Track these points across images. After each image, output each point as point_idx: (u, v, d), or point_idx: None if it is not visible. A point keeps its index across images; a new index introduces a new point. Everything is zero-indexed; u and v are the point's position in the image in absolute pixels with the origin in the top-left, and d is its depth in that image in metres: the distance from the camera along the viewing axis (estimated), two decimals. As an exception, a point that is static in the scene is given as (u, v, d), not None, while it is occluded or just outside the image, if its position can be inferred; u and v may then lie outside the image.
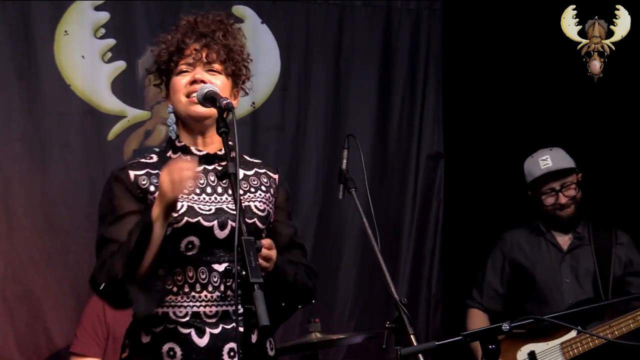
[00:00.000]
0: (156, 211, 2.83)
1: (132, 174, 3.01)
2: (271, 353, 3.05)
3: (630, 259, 4.72)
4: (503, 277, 4.89)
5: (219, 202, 3.00)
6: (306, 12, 5.44)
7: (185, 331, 2.93)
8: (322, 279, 5.07)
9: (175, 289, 2.95)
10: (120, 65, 5.09)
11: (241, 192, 3.06)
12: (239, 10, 5.26)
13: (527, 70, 5.32)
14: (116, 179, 3.01)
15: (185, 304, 2.94)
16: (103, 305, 4.50)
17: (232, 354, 2.92)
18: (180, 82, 3.02)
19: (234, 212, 2.97)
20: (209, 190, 3.01)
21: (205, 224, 2.93)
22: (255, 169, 3.17)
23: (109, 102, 5.07)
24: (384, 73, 5.54)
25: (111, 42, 5.07)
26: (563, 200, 4.72)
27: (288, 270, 3.00)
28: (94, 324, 4.51)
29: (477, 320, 4.86)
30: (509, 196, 5.27)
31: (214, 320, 2.93)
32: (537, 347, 4.54)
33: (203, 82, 2.98)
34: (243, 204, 3.03)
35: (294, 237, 3.18)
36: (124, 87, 5.10)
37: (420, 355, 2.95)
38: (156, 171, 2.99)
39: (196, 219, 2.92)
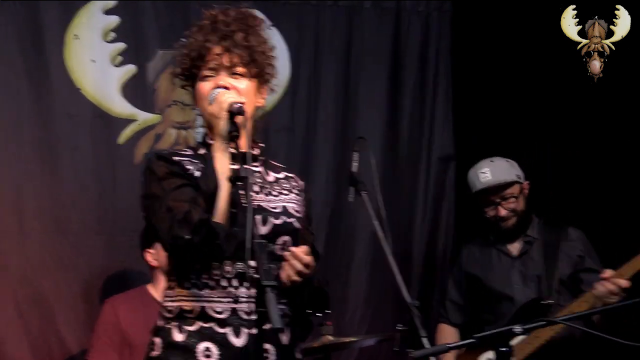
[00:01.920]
0: (216, 144, 2.87)
1: (173, 157, 3.01)
2: (299, 356, 3.06)
3: (581, 255, 4.67)
4: (461, 290, 4.90)
5: (255, 200, 2.99)
6: (315, 14, 5.43)
7: (222, 330, 2.91)
8: (334, 281, 5.13)
9: (212, 283, 2.93)
10: (131, 69, 5.10)
11: (276, 193, 3.08)
12: (249, 13, 5.25)
13: (536, 70, 5.31)
14: (159, 157, 3.01)
15: (223, 299, 2.92)
16: (117, 311, 4.51)
17: (266, 354, 2.91)
18: (205, 88, 3.00)
19: (274, 210, 3.01)
20: None
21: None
22: (284, 173, 3.19)
23: (119, 106, 5.08)
24: (393, 75, 5.53)
25: (121, 45, 5.09)
26: (502, 213, 4.71)
27: (314, 276, 3.00)
28: (109, 331, 4.49)
29: (444, 334, 4.88)
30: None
31: (251, 317, 2.90)
32: (487, 355, 4.49)
33: (226, 88, 2.97)
34: (281, 205, 3.05)
35: (314, 245, 3.19)
36: (134, 90, 5.10)
37: (432, 357, 2.95)
38: (196, 161, 2.99)
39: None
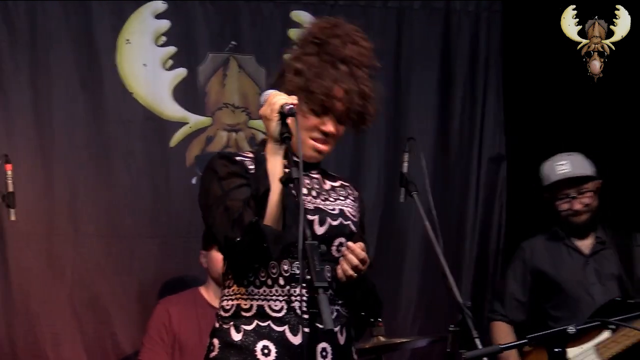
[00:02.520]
0: (269, 146, 2.86)
1: (235, 157, 3.02)
2: (355, 357, 3.06)
3: None
4: (525, 286, 4.83)
5: (313, 203, 3.01)
6: (364, 15, 5.42)
7: (279, 329, 2.91)
8: (385, 282, 5.13)
9: (269, 281, 2.94)
10: (181, 72, 5.14)
11: (332, 199, 3.09)
12: (298, 16, 5.27)
13: (587, 70, 5.26)
14: (221, 157, 3.02)
15: (281, 297, 2.92)
16: (169, 312, 4.55)
17: (324, 353, 2.92)
18: (309, 122, 2.98)
19: (332, 212, 3.01)
20: (304, 190, 2.97)
21: (307, 216, 2.88)
22: (340, 182, 3.19)
23: (171, 109, 5.13)
24: (443, 75, 5.51)
25: (172, 49, 5.13)
26: (577, 206, 4.67)
27: (368, 278, 3.01)
28: (160, 332, 4.54)
29: (502, 332, 4.80)
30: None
31: (308, 316, 2.85)
32: (570, 352, 4.34)
33: (328, 134, 2.99)
34: (338, 208, 3.06)
35: (367, 251, 3.19)
36: (185, 93, 5.15)
37: (484, 358, 2.93)
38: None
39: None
